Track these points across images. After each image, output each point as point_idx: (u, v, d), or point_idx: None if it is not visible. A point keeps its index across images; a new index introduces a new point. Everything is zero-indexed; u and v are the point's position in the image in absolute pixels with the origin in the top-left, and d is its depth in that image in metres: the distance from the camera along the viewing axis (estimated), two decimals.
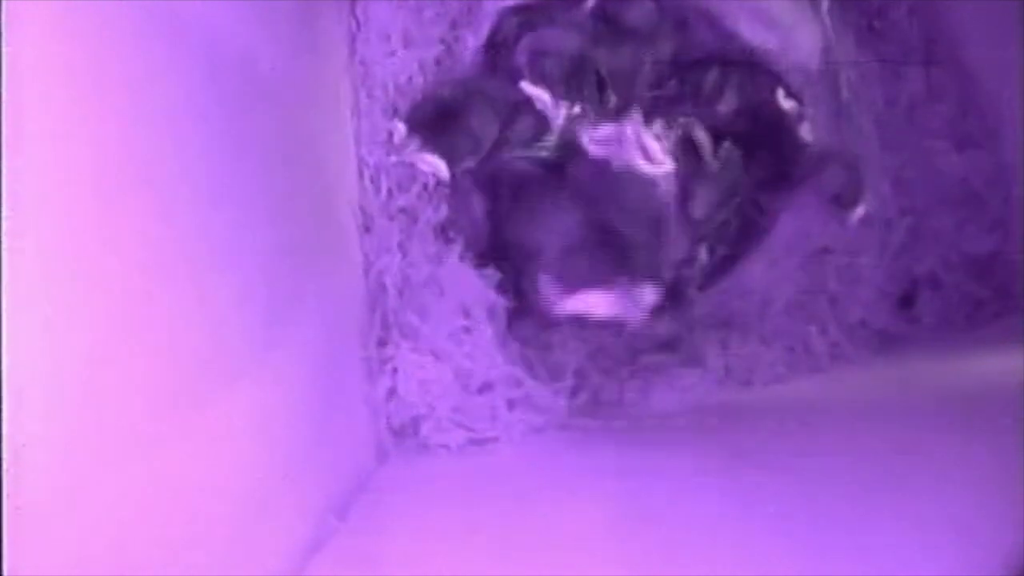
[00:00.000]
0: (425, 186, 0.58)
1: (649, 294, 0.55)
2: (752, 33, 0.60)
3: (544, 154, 0.57)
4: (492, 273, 0.57)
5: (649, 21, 0.60)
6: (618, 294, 0.54)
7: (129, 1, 0.30)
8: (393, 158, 0.58)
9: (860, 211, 0.62)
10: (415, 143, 0.56)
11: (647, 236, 0.55)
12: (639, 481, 0.49)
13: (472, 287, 0.57)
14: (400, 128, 0.57)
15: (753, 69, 0.60)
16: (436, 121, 0.57)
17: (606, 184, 0.55)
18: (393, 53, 0.61)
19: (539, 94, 0.56)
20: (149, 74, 0.31)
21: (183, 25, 0.34)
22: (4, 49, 0.23)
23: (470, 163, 0.57)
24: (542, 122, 0.57)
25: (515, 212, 0.57)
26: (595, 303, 0.54)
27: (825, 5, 0.61)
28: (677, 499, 0.45)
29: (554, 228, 0.55)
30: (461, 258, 0.57)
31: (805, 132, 0.60)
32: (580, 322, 0.56)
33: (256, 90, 0.41)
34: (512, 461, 0.54)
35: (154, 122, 0.31)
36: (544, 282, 0.55)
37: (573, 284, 0.54)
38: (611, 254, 0.54)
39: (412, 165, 0.57)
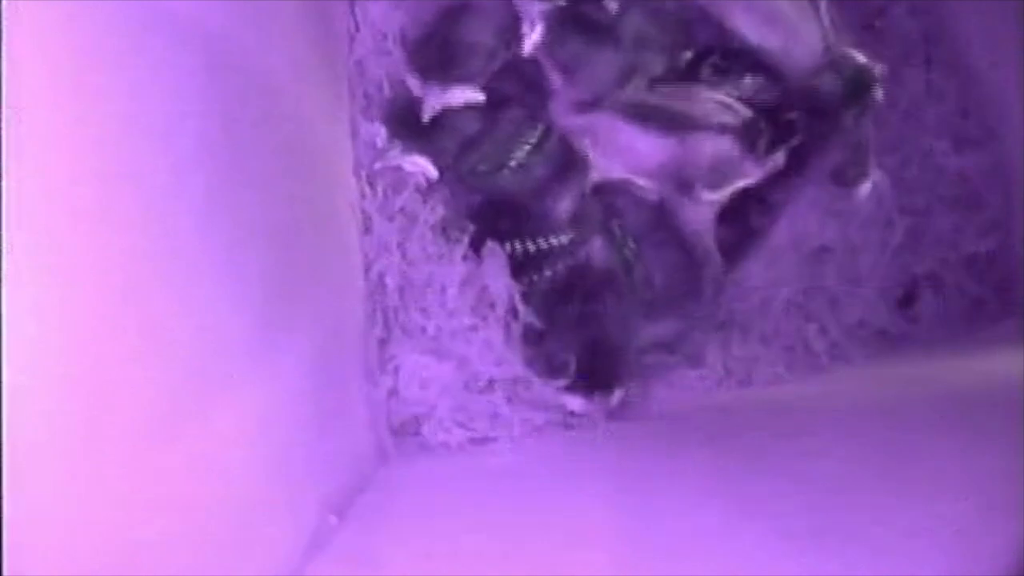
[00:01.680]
0: (417, 187, 0.58)
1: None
2: (753, 32, 0.60)
3: (518, 160, 0.56)
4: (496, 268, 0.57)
5: None
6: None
7: (129, 1, 0.30)
8: (378, 164, 0.57)
9: (866, 188, 0.62)
10: (397, 146, 0.56)
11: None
12: (639, 480, 0.49)
13: (475, 285, 0.57)
14: (381, 132, 0.56)
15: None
16: (416, 121, 0.56)
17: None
18: (389, 53, 0.61)
19: None
20: (148, 75, 0.31)
21: (182, 25, 0.34)
22: (4, 49, 0.23)
23: (462, 160, 0.56)
24: (524, 121, 0.56)
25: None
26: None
27: (824, 5, 0.61)
28: (676, 498, 0.45)
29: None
30: (465, 257, 0.57)
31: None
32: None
33: (255, 90, 0.41)
34: (512, 461, 0.54)
35: (152, 123, 0.31)
36: None
37: None
38: None
39: (399, 168, 0.57)
